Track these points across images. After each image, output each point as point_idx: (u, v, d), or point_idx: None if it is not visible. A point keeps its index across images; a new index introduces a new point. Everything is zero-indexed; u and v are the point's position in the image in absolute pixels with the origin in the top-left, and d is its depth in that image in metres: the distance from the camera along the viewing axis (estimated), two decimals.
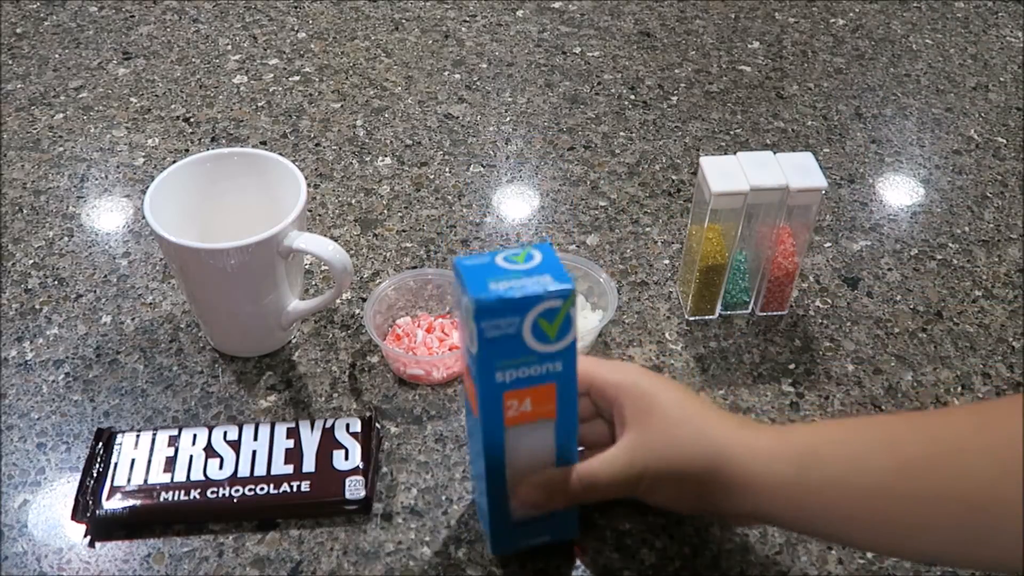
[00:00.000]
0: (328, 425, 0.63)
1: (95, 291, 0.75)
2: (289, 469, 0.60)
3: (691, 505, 0.54)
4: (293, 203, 0.64)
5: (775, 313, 0.75)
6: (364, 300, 0.74)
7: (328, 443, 0.62)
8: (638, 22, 1.10)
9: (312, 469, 0.60)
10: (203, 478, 0.60)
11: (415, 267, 0.78)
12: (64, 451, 0.63)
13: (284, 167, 0.67)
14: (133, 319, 0.73)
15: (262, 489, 0.59)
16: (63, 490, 0.61)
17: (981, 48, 1.08)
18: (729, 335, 0.73)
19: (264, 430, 0.62)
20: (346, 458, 0.61)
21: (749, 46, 1.07)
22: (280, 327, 0.69)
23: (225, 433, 0.62)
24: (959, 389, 0.70)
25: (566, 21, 1.10)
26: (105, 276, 0.76)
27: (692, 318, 0.74)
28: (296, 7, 1.11)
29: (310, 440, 0.62)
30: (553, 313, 0.48)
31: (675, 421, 0.52)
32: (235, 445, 0.61)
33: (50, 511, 0.60)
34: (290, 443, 0.61)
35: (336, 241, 0.64)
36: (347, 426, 0.63)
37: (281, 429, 0.62)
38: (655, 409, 0.52)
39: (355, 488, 0.59)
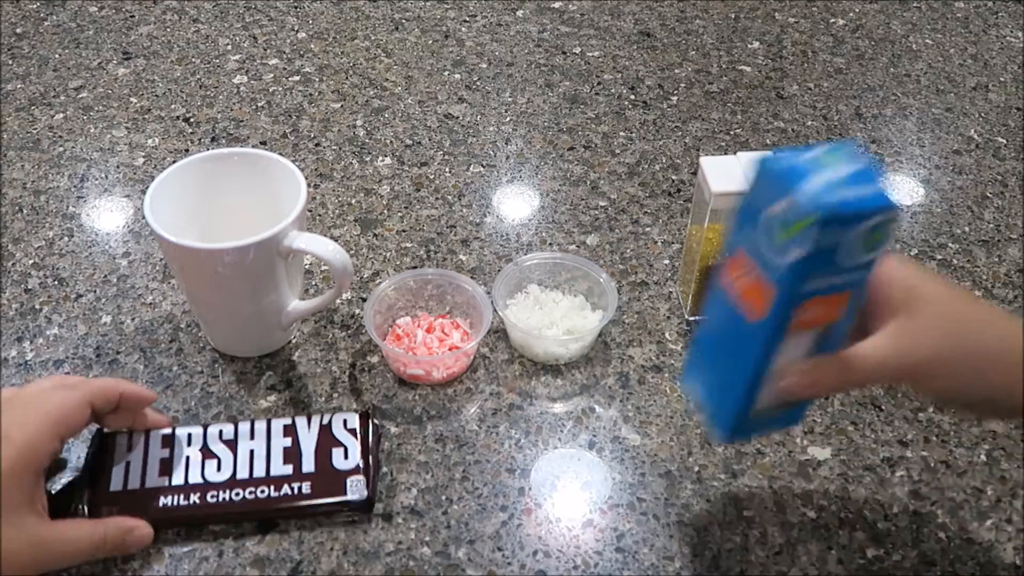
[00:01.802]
0: (325, 421, 0.62)
1: (95, 291, 0.75)
2: (288, 469, 0.60)
3: (970, 394, 0.51)
4: (293, 203, 0.64)
5: None
6: (364, 300, 0.74)
7: (326, 441, 0.61)
8: (638, 22, 1.10)
9: (312, 469, 0.60)
10: (201, 480, 0.59)
11: (415, 267, 0.78)
12: (64, 451, 0.63)
13: (284, 167, 0.67)
14: (133, 319, 0.73)
15: (263, 492, 0.59)
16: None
17: (981, 48, 1.08)
18: None
19: (260, 427, 0.62)
20: (345, 457, 0.60)
21: (749, 46, 1.07)
22: (280, 327, 0.69)
23: (221, 432, 0.61)
24: None
25: (566, 21, 1.10)
26: (105, 276, 0.76)
27: (692, 318, 0.74)
28: (296, 7, 1.11)
29: (308, 438, 0.61)
30: (883, 227, 0.46)
31: (951, 308, 0.50)
32: (232, 444, 0.61)
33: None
34: (287, 441, 0.61)
35: (336, 241, 0.64)
36: (344, 422, 0.62)
37: (278, 426, 0.62)
38: (928, 296, 0.50)
39: (356, 488, 0.59)
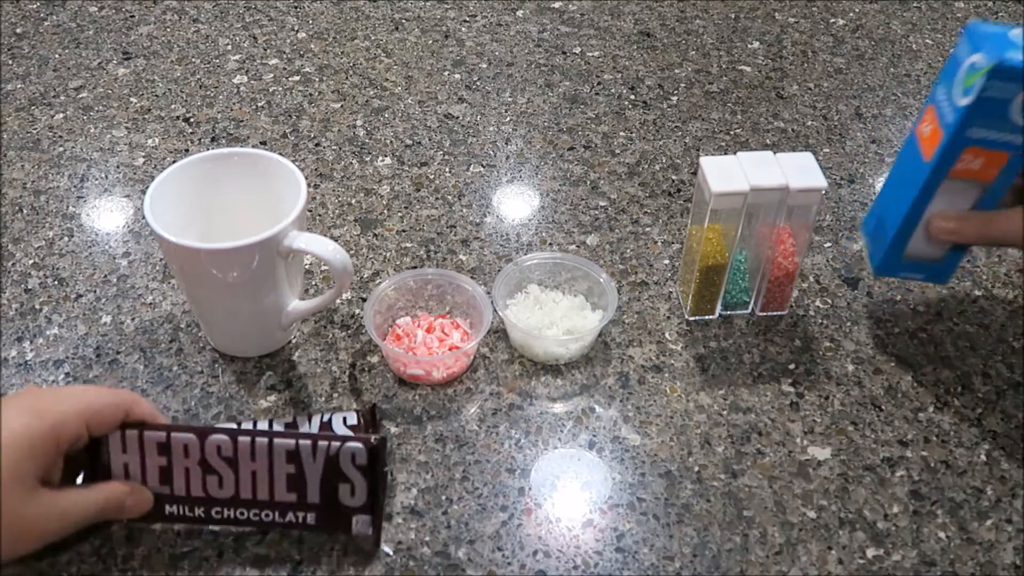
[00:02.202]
0: (332, 452, 0.57)
1: (95, 291, 0.75)
2: (292, 497, 0.57)
3: None
4: (293, 203, 0.64)
5: (775, 313, 0.75)
6: (364, 300, 0.74)
7: (333, 474, 0.57)
8: (638, 22, 1.10)
9: (317, 500, 0.57)
10: (204, 494, 0.57)
11: (415, 267, 0.78)
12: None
13: (284, 167, 0.67)
14: (133, 319, 0.73)
15: (267, 516, 0.57)
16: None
17: None
18: (729, 335, 0.73)
19: (261, 446, 0.57)
20: (352, 494, 0.57)
21: (749, 46, 1.07)
22: (280, 327, 0.69)
23: (219, 448, 0.57)
24: (959, 389, 0.70)
25: (566, 21, 1.10)
26: (105, 276, 0.76)
27: (692, 318, 0.74)
28: (296, 7, 1.11)
29: (312, 468, 0.57)
30: None
31: None
32: (232, 463, 0.57)
33: None
34: (291, 468, 0.57)
35: (336, 241, 0.64)
36: (352, 457, 0.57)
37: (280, 452, 0.57)
38: None
39: (362, 526, 0.58)
